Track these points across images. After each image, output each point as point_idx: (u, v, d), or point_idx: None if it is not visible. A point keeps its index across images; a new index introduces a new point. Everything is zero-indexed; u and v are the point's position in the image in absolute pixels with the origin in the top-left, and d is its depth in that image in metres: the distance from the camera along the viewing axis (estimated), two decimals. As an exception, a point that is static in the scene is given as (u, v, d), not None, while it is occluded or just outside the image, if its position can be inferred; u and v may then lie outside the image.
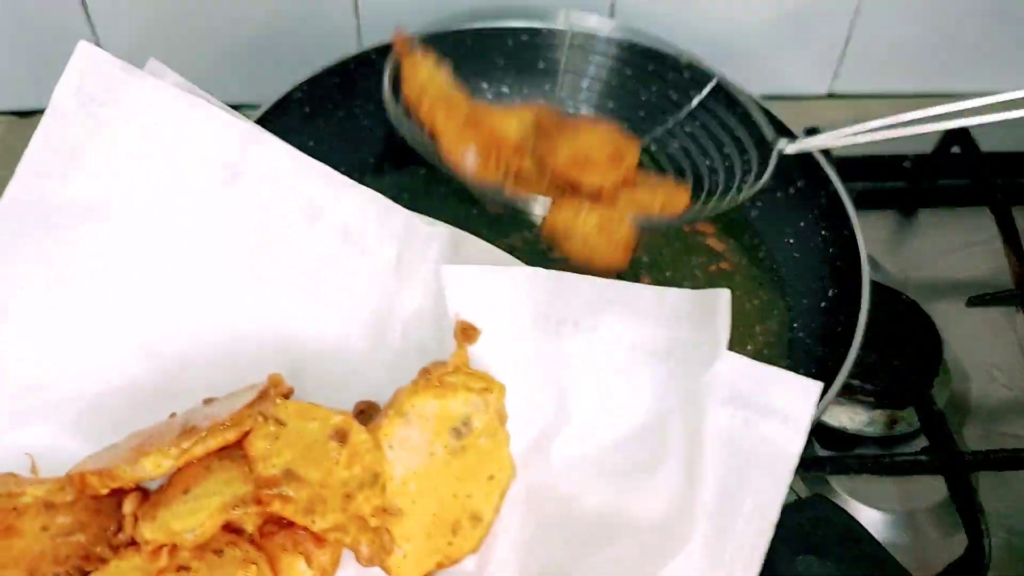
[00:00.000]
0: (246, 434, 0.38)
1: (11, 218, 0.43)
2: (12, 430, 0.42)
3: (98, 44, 0.70)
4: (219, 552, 0.37)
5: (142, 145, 0.44)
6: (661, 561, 0.38)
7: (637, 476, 0.40)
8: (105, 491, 0.38)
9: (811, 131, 0.64)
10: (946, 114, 0.54)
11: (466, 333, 0.42)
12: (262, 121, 0.53)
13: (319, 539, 0.38)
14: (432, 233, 0.47)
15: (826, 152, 0.58)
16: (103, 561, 0.38)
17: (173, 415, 0.42)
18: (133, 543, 0.38)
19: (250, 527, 0.38)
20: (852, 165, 0.64)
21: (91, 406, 0.44)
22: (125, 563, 0.37)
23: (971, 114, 0.53)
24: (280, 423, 0.39)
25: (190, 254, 0.46)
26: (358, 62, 0.59)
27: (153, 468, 0.37)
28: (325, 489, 0.38)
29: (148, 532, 0.37)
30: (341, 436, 0.39)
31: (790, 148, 0.56)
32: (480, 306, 0.43)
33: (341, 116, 0.60)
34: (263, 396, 0.40)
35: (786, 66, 0.78)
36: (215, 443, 0.38)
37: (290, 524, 0.38)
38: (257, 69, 0.73)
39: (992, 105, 0.52)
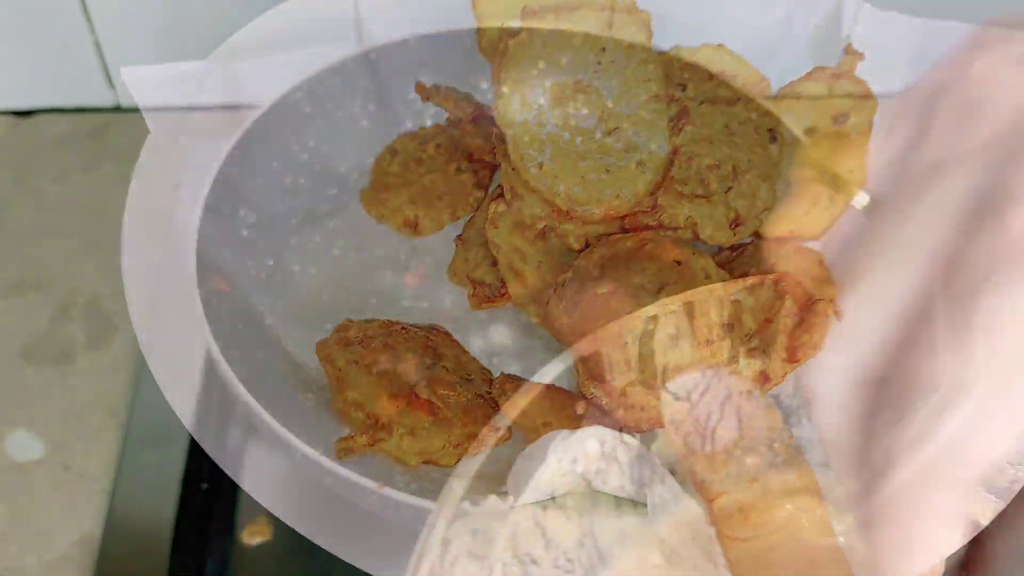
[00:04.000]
0: None
1: None
2: None
3: (98, 44, 0.70)
4: None
5: None
6: None
7: None
8: None
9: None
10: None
11: (854, 52, 0.48)
12: (262, 120, 0.53)
13: None
14: None
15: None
16: None
17: None
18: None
19: None
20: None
21: None
22: None
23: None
24: None
25: None
26: (358, 62, 0.59)
27: None
28: None
29: None
30: None
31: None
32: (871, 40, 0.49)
33: (341, 116, 0.60)
34: None
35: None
36: None
37: None
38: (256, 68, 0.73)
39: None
